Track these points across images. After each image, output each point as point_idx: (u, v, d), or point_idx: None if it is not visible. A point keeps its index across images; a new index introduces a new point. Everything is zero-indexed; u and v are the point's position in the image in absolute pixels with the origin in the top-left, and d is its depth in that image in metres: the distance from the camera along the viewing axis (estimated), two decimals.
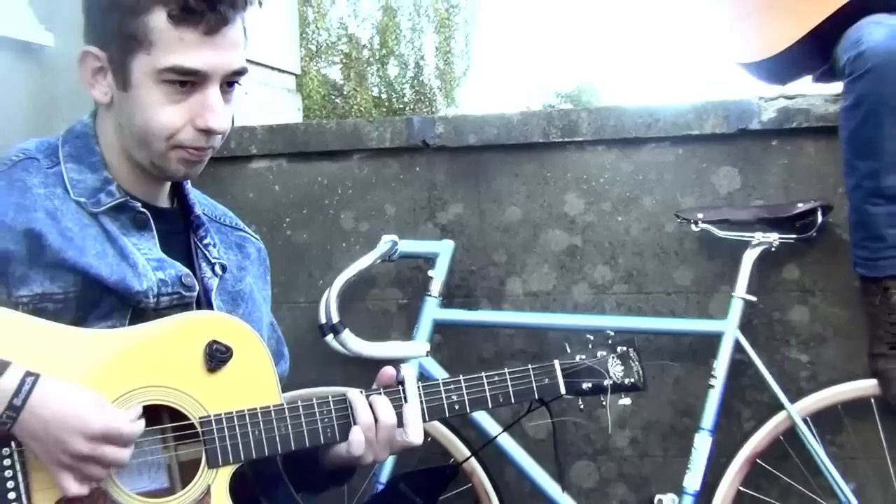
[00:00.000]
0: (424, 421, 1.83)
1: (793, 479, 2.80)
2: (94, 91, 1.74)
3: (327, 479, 1.90)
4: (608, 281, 2.97)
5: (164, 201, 1.86)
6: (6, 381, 1.49)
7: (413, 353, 2.70)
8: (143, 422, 1.60)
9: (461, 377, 1.88)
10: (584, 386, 1.96)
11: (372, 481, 2.80)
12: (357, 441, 1.75)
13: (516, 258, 3.02)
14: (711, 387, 2.72)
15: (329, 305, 2.66)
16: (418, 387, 1.84)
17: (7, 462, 1.53)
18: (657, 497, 2.82)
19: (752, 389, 2.84)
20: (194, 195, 1.93)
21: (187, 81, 1.68)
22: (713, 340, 2.74)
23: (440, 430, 2.79)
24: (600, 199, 2.97)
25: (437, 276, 2.87)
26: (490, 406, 1.90)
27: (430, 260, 2.89)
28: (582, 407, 2.03)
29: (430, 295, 2.86)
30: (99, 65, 1.72)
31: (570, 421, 2.95)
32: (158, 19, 1.64)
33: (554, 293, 3.00)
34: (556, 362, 1.96)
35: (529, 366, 1.93)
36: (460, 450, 2.79)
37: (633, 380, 1.99)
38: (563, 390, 1.94)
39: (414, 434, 1.80)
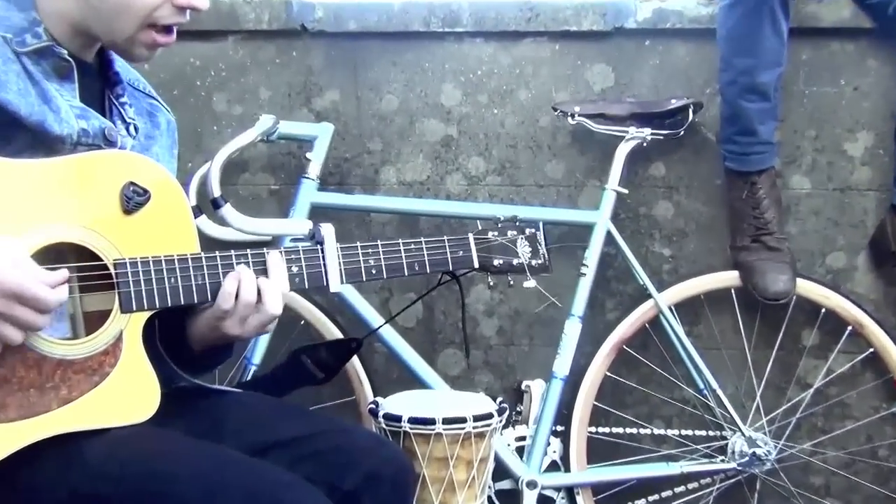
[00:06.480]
0: (342, 283, 1.64)
1: (655, 365, 2.73)
2: None
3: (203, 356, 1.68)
4: (482, 172, 2.79)
5: (88, 56, 1.59)
6: None
7: (296, 230, 2.44)
8: (66, 288, 1.35)
9: (378, 241, 1.69)
10: (496, 262, 1.80)
11: (244, 362, 2.58)
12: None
13: (392, 146, 2.80)
14: (583, 275, 2.59)
15: (210, 179, 2.38)
16: (337, 247, 1.64)
17: None
18: (524, 383, 2.70)
19: (616, 281, 2.74)
20: (113, 54, 1.67)
21: None
22: (583, 231, 2.61)
23: (329, 328, 2.62)
24: (477, 91, 2.78)
25: (316, 160, 2.61)
26: (406, 274, 1.70)
27: (307, 143, 2.63)
28: (491, 283, 1.88)
29: (307, 177, 2.60)
30: None
31: (438, 309, 2.79)
32: None
33: (428, 183, 2.79)
34: (471, 235, 1.79)
35: (444, 237, 1.75)
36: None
37: (540, 261, 1.85)
38: (476, 264, 1.78)
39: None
